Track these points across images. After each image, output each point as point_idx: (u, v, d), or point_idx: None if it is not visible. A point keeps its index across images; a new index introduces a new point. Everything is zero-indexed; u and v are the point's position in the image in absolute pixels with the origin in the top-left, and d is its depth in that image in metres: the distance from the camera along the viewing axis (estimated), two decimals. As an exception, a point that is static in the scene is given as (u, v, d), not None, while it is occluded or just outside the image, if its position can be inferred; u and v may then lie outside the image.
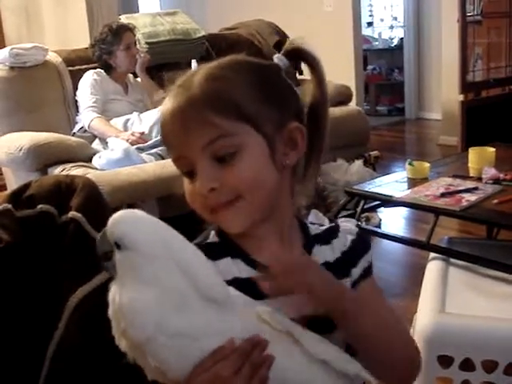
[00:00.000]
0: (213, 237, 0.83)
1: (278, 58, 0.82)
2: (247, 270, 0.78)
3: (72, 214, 1.04)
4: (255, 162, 0.76)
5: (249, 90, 0.76)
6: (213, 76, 0.76)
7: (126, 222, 0.69)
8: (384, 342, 0.79)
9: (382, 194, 2.14)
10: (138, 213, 0.71)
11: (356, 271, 0.86)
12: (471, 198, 1.95)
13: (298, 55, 0.83)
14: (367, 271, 0.87)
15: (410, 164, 2.27)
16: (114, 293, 0.69)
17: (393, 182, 2.25)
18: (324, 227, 0.88)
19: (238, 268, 0.78)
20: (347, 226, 0.88)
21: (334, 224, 0.88)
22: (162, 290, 0.66)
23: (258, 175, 0.76)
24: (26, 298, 1.03)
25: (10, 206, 1.04)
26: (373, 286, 0.88)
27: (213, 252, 0.77)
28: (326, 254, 0.84)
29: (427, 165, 2.29)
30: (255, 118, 0.76)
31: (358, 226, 0.90)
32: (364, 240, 0.89)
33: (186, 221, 0.88)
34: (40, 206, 1.03)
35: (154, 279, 0.66)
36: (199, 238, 0.84)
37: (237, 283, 0.75)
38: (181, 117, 0.75)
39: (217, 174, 0.74)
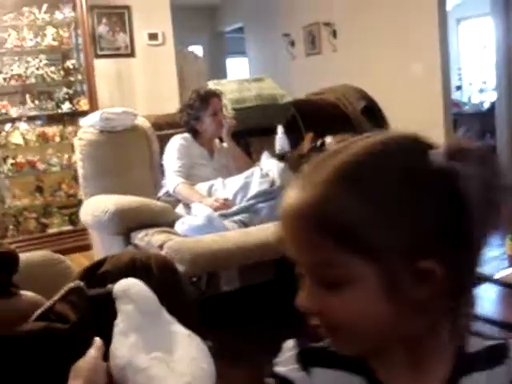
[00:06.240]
0: None
1: (435, 154, 0.63)
2: None
3: None
4: (364, 297, 0.61)
5: (379, 208, 0.60)
6: (340, 186, 0.61)
7: None
8: None
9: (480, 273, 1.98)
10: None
11: None
12: None
13: (462, 154, 0.62)
14: None
15: (511, 240, 2.11)
16: None
17: (491, 259, 2.09)
18: (489, 343, 0.69)
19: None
20: None
21: (503, 341, 0.70)
22: None
23: (363, 311, 0.61)
24: None
25: (82, 283, 1.00)
26: None
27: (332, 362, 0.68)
28: None
29: (530, 241, 2.12)
30: (374, 249, 0.60)
31: None
32: None
33: (268, 288, 0.80)
34: (109, 286, 0.98)
35: None
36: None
37: None
38: (290, 222, 0.63)
39: (320, 298, 0.62)
